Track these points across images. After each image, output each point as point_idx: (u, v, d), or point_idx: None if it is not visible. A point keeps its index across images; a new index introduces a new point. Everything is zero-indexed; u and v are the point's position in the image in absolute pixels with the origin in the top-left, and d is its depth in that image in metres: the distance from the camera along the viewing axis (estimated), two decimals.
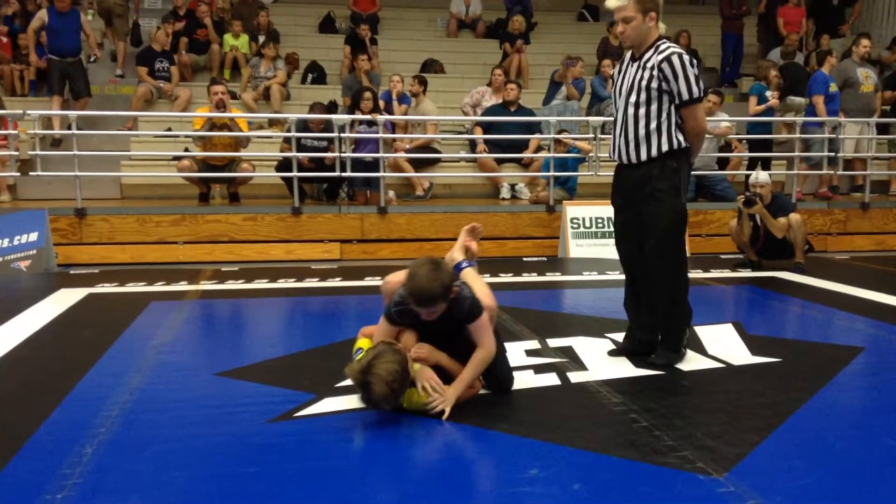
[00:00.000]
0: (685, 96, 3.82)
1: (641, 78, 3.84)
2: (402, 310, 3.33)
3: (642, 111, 3.87)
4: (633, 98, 3.88)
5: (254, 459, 2.81)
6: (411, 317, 3.33)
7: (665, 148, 3.86)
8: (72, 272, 7.27)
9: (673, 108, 3.86)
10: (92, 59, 11.15)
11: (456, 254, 3.80)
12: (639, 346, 4.17)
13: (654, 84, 3.82)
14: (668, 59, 3.78)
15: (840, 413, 3.41)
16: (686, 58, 3.82)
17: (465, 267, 3.65)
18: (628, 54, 4.00)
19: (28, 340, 4.62)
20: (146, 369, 3.98)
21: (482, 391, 3.54)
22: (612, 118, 10.40)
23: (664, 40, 3.90)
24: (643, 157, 3.89)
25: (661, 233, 3.92)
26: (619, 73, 4.03)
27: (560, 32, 14.39)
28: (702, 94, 3.86)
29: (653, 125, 3.86)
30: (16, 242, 7.30)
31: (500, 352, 3.56)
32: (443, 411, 3.18)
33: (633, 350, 4.18)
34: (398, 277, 3.45)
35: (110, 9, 11.79)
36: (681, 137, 3.89)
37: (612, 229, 8.37)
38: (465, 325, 3.32)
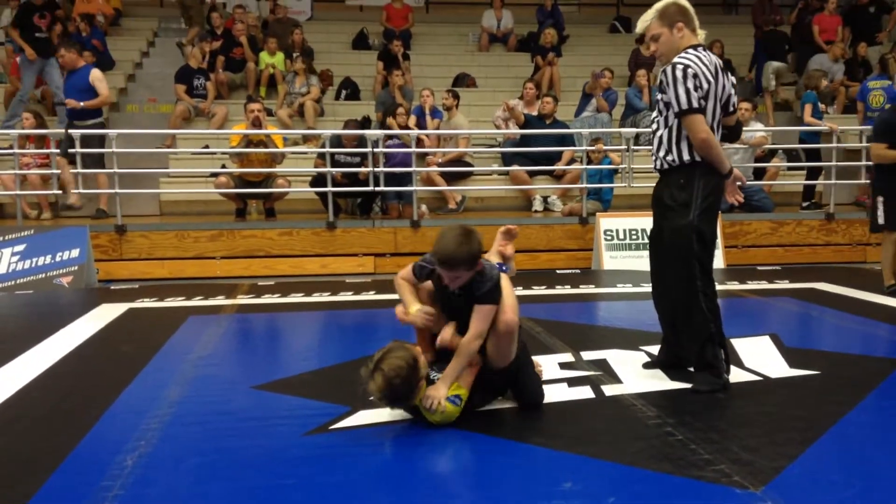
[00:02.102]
0: (683, 105, 3.71)
1: (657, 87, 3.91)
2: (427, 269, 3.39)
3: (657, 121, 3.91)
4: (654, 107, 3.96)
5: (291, 472, 2.85)
6: (436, 279, 3.38)
7: (672, 160, 3.82)
8: (112, 288, 7.40)
9: (676, 120, 3.78)
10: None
11: (492, 258, 3.79)
12: (674, 357, 4.14)
13: (658, 95, 3.85)
14: (671, 66, 3.74)
15: (879, 426, 3.35)
16: (688, 69, 3.69)
17: (502, 272, 3.60)
18: None
19: (70, 355, 4.72)
20: (185, 383, 4.05)
21: (508, 404, 3.55)
22: (646, 129, 10.40)
23: (690, 49, 3.79)
24: (657, 166, 3.92)
25: (667, 248, 3.89)
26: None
27: (592, 45, 14.38)
28: (697, 105, 3.69)
29: (663, 136, 3.84)
30: (58, 259, 7.47)
31: (527, 366, 3.56)
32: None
33: (669, 362, 4.15)
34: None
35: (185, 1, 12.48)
36: (685, 151, 3.78)
37: (646, 241, 8.38)
38: (475, 304, 3.31)
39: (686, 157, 3.79)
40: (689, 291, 3.83)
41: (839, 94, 12.08)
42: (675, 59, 3.75)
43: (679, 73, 3.70)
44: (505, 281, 3.52)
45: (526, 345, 3.64)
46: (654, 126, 3.93)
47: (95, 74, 8.98)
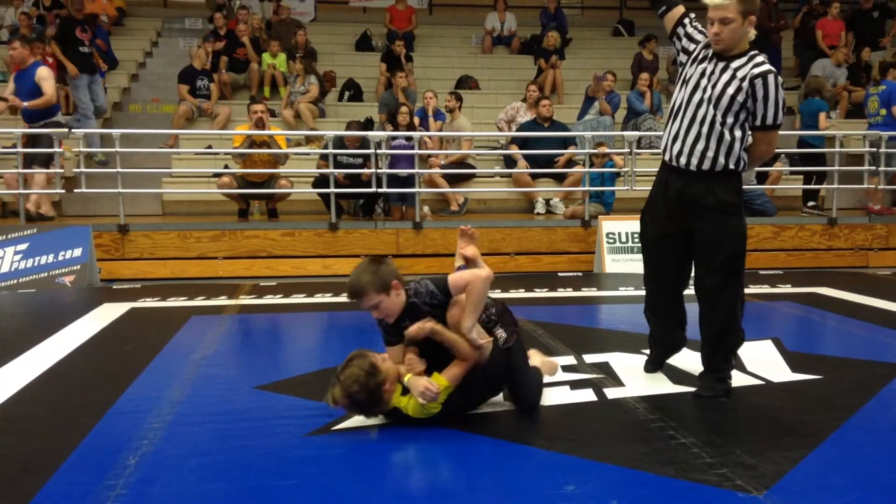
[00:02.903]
0: (769, 121, 3.56)
1: (728, 85, 3.52)
2: (383, 326, 3.40)
3: (720, 119, 3.55)
4: (716, 102, 3.55)
5: (293, 472, 2.85)
6: (384, 328, 3.38)
7: (731, 165, 3.60)
8: (114, 287, 7.41)
9: (747, 126, 3.60)
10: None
11: (456, 261, 3.75)
12: (663, 358, 4.21)
13: (741, 97, 3.51)
14: (763, 76, 3.49)
15: (882, 431, 3.35)
16: (780, 80, 3.56)
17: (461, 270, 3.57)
18: (708, 48, 3.63)
19: (72, 354, 4.72)
20: (187, 383, 4.05)
21: (508, 406, 3.54)
22: (648, 133, 10.36)
23: (757, 51, 3.61)
24: (706, 166, 3.60)
25: (727, 255, 3.67)
26: (694, 62, 3.65)
27: (595, 48, 14.39)
28: (780, 121, 3.60)
29: (727, 138, 3.56)
30: (60, 258, 7.47)
31: (522, 367, 3.53)
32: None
33: (660, 363, 4.20)
34: None
35: None
36: (742, 157, 3.62)
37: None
38: (447, 304, 3.29)
39: (734, 164, 3.61)
40: (737, 297, 3.74)
41: (842, 98, 12.09)
42: (767, 67, 3.52)
43: (779, 86, 3.53)
44: (467, 270, 3.48)
45: (522, 345, 3.62)
46: (715, 124, 3.55)
47: (41, 73, 8.55)
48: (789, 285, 7.33)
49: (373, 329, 5.58)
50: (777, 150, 9.80)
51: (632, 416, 3.49)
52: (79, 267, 7.46)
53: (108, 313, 5.99)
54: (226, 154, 9.68)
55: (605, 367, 4.27)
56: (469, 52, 14.19)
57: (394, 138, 8.97)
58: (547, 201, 9.79)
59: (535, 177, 9.78)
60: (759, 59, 3.56)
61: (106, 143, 9.77)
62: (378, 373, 3.15)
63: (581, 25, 14.92)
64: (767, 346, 4.80)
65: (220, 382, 4.08)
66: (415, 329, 3.21)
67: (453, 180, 9.62)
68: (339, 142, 8.78)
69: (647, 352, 4.48)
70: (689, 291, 3.94)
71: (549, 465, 2.92)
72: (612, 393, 3.81)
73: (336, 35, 14.21)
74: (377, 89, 12.13)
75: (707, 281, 3.72)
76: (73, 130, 8.36)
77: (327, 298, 6.69)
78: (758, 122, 3.58)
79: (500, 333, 3.46)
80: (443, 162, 9.70)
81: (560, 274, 8.24)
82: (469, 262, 3.70)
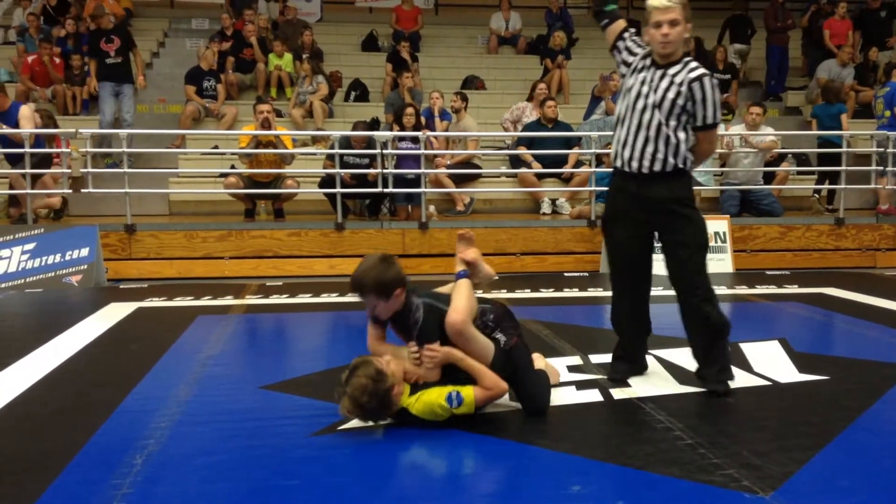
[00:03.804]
0: (709, 120, 3.75)
1: (668, 90, 3.69)
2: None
3: (665, 122, 3.71)
4: (660, 107, 3.70)
5: (298, 472, 2.85)
6: (372, 315, 3.41)
7: (679, 164, 3.75)
8: (121, 287, 7.43)
9: (688, 127, 3.76)
10: None
11: (456, 265, 3.67)
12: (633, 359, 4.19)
13: (681, 101, 3.68)
14: (700, 80, 3.68)
15: (889, 432, 3.34)
16: (714, 81, 3.75)
17: (461, 278, 3.52)
18: (648, 60, 3.79)
19: (79, 354, 4.73)
20: (193, 382, 4.05)
21: (514, 405, 3.53)
22: None
23: (688, 55, 3.82)
24: (657, 167, 3.73)
25: (694, 247, 3.78)
26: (634, 72, 3.81)
27: (601, 47, 14.20)
28: (719, 120, 3.82)
29: (673, 140, 3.71)
30: (67, 258, 7.49)
31: (526, 369, 3.50)
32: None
33: (634, 365, 4.16)
34: None
35: None
36: (688, 157, 3.78)
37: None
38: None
39: (682, 163, 3.76)
40: (710, 286, 3.83)
41: (849, 98, 12.05)
42: (702, 71, 3.71)
43: (714, 87, 3.73)
44: (464, 284, 3.45)
45: (526, 347, 3.60)
46: (660, 126, 3.71)
47: (23, 112, 8.48)
48: (796, 286, 7.31)
49: None
50: (783, 150, 9.84)
51: (638, 416, 3.48)
52: (86, 266, 7.48)
53: (114, 313, 6.00)
54: (232, 154, 9.70)
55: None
56: (475, 53, 14.19)
57: (400, 139, 8.98)
58: (553, 201, 9.78)
59: (540, 177, 9.77)
60: (693, 64, 3.75)
61: (113, 143, 9.78)
62: (385, 378, 3.12)
63: (587, 25, 14.86)
64: (774, 346, 4.78)
65: (225, 382, 4.09)
66: (436, 359, 3.24)
67: (459, 180, 9.62)
68: (346, 142, 8.78)
69: (654, 352, 4.47)
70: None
71: (555, 465, 2.91)
72: (618, 393, 3.80)
73: (342, 35, 14.23)
74: (383, 89, 12.14)
75: (682, 273, 3.82)
76: (79, 131, 8.38)
77: (333, 298, 6.70)
78: (699, 123, 3.76)
79: (500, 337, 3.45)
80: (449, 162, 9.70)
81: (566, 274, 8.23)
82: (470, 266, 3.62)
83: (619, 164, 3.85)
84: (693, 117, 3.74)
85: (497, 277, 3.84)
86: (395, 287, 3.26)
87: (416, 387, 3.25)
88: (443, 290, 3.66)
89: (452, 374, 3.28)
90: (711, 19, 14.90)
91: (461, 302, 3.34)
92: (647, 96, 3.73)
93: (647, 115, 3.73)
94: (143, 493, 2.67)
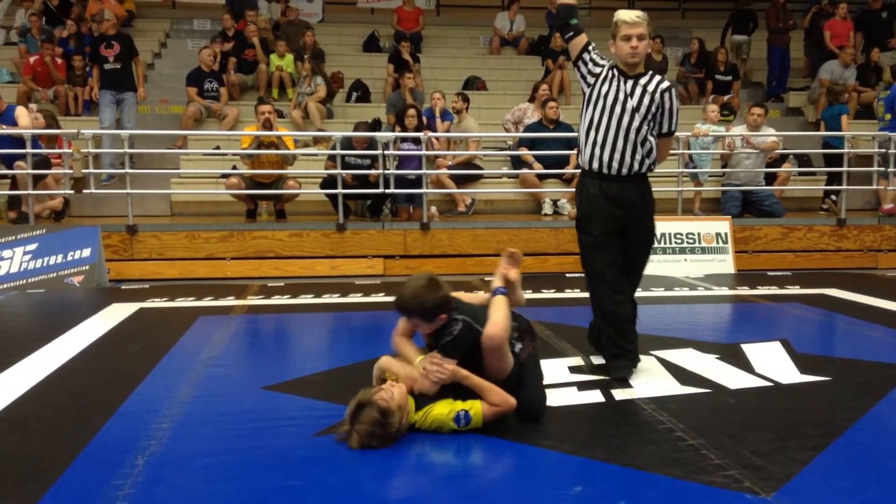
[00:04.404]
0: (673, 128, 4.14)
1: (643, 97, 4.00)
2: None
3: (643, 128, 4.02)
4: (638, 114, 4.00)
5: (300, 472, 2.85)
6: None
7: (649, 166, 4.11)
8: (123, 287, 7.43)
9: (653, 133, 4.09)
10: None
11: (496, 280, 3.71)
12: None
13: (654, 108, 4.01)
14: (669, 90, 4.05)
15: (890, 433, 3.34)
16: (676, 92, 4.17)
17: (500, 294, 3.56)
18: (615, 71, 4.08)
19: (81, 354, 4.74)
20: (195, 383, 4.06)
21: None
22: None
23: (651, 70, 4.16)
24: (636, 169, 4.05)
25: (645, 244, 4.23)
26: (605, 81, 4.07)
27: (603, 48, 14.23)
28: (676, 128, 4.20)
29: (648, 144, 4.05)
30: (69, 258, 7.50)
31: (529, 374, 3.49)
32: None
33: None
34: None
35: None
36: (652, 161, 4.13)
37: (655, 245, 8.33)
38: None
39: (651, 165, 4.12)
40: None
41: (851, 99, 12.05)
42: (668, 83, 4.08)
43: (676, 97, 4.13)
44: (502, 301, 3.48)
45: (535, 358, 3.60)
46: (640, 131, 4.02)
47: (19, 112, 8.54)
48: (798, 286, 7.30)
49: (379, 330, 5.60)
50: (784, 151, 9.84)
51: (639, 417, 3.48)
52: (87, 267, 7.49)
53: (116, 313, 6.00)
54: (234, 155, 9.70)
55: None
56: (476, 53, 14.19)
57: (402, 140, 8.98)
58: (554, 202, 9.78)
59: (542, 178, 9.77)
60: (658, 76, 4.09)
61: (115, 144, 9.78)
62: (390, 416, 3.08)
63: (589, 26, 14.75)
64: (776, 347, 4.78)
65: (227, 383, 4.09)
66: (443, 379, 3.24)
67: (461, 181, 9.63)
68: (347, 143, 8.79)
69: (656, 353, 4.48)
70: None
71: (557, 465, 2.92)
72: (619, 394, 3.80)
73: (344, 36, 14.23)
74: (385, 90, 12.14)
75: (636, 268, 4.26)
76: (81, 131, 8.38)
77: (335, 299, 6.70)
78: (663, 130, 4.11)
79: (517, 348, 3.47)
80: (450, 163, 9.71)
81: (567, 275, 8.22)
82: (509, 285, 3.66)
83: (596, 166, 4.10)
84: (659, 125, 4.07)
85: (526, 304, 3.88)
86: (441, 312, 3.29)
87: (421, 401, 3.23)
88: (471, 299, 3.67)
89: (456, 387, 3.28)
90: (712, 20, 14.94)
91: (502, 318, 3.37)
92: (624, 102, 4.01)
93: (626, 120, 4.00)
94: (145, 494, 2.67)
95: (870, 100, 11.74)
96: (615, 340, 4.13)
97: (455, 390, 3.27)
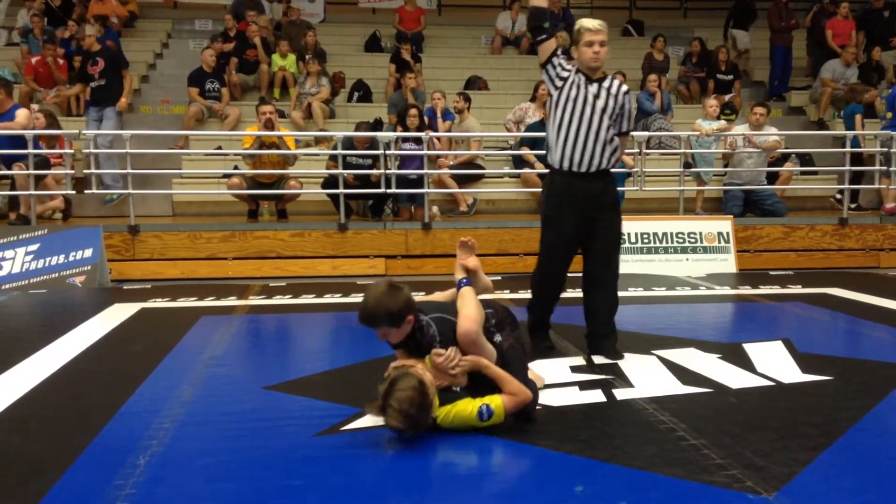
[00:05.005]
0: (630, 128, 4.53)
1: (608, 99, 4.31)
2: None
3: (609, 128, 4.34)
4: (606, 114, 4.31)
5: (301, 472, 2.85)
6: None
7: (616, 164, 4.49)
8: (125, 287, 7.44)
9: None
10: None
11: (457, 273, 3.68)
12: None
13: (618, 110, 4.35)
14: (628, 93, 4.42)
15: (892, 432, 3.33)
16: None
17: (465, 285, 3.54)
18: (580, 75, 4.35)
19: (83, 354, 4.74)
20: (196, 383, 4.06)
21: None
22: (658, 133, 10.37)
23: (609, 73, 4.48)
24: (603, 166, 4.37)
25: (615, 237, 4.50)
26: (572, 86, 4.35)
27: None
28: (632, 128, 4.65)
29: (614, 142, 4.38)
30: (71, 258, 7.51)
31: (517, 372, 3.43)
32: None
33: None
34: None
35: None
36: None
37: (658, 244, 8.36)
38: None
39: (615, 163, 4.48)
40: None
41: (873, 98, 12.01)
42: (626, 87, 4.42)
43: (633, 99, 4.52)
44: (469, 293, 3.47)
45: (520, 348, 3.58)
46: (608, 130, 4.34)
47: (21, 113, 8.51)
48: (800, 286, 7.30)
49: None
50: (786, 150, 9.83)
51: (641, 416, 3.48)
52: (89, 267, 7.50)
53: (118, 314, 6.01)
54: (235, 155, 9.70)
55: (614, 368, 4.26)
56: (478, 53, 14.18)
57: (403, 139, 8.98)
58: None
59: (543, 177, 9.75)
60: (617, 80, 4.42)
61: (116, 145, 9.79)
62: (428, 389, 3.09)
63: None
64: (778, 346, 4.78)
65: (229, 383, 4.09)
66: (465, 367, 3.25)
67: (462, 181, 9.63)
68: (349, 143, 8.79)
69: (657, 352, 4.48)
70: None
71: (558, 465, 2.91)
72: (621, 394, 3.80)
73: (345, 36, 14.22)
74: (386, 90, 12.14)
75: (608, 260, 4.51)
76: (83, 132, 8.39)
77: (336, 299, 6.71)
78: (623, 129, 4.45)
79: (498, 338, 3.46)
80: (452, 163, 9.70)
81: (569, 274, 8.20)
82: (471, 274, 3.64)
83: (567, 164, 4.38)
84: (619, 125, 4.40)
85: (493, 290, 3.84)
86: (407, 314, 3.24)
87: (443, 397, 3.22)
88: (439, 296, 3.67)
89: (471, 386, 3.28)
90: (714, 19, 14.93)
91: (472, 310, 3.35)
92: (593, 104, 4.31)
93: (595, 120, 4.31)
94: (147, 494, 2.67)
95: (871, 99, 11.72)
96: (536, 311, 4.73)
97: (471, 390, 3.27)
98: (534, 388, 3.46)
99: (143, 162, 9.85)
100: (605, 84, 4.34)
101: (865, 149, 9.90)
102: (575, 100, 4.33)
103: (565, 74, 4.39)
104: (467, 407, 3.20)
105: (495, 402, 3.20)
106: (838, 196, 10.04)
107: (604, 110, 4.30)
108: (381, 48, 13.69)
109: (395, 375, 3.12)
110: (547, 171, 9.37)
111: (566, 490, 2.68)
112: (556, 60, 4.43)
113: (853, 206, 9.92)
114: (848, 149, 9.29)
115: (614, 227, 4.49)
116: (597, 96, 4.30)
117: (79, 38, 10.35)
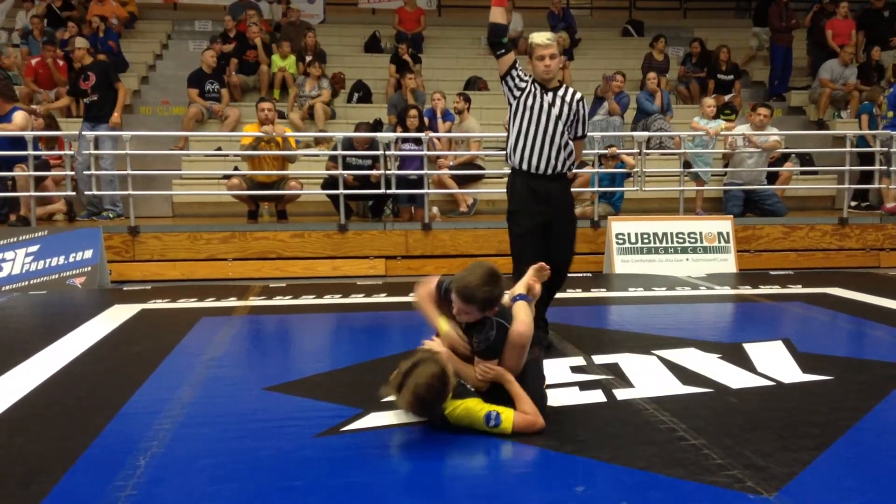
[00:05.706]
0: (586, 132, 4.84)
1: (563, 107, 4.62)
2: (448, 291, 3.42)
3: (564, 133, 4.65)
4: (561, 121, 4.62)
5: (301, 473, 2.85)
6: (447, 305, 3.41)
7: (572, 167, 4.81)
8: (125, 289, 7.44)
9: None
10: None
11: (518, 288, 3.75)
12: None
13: (572, 116, 4.67)
14: (582, 100, 4.72)
15: (892, 432, 3.33)
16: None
17: (521, 300, 3.58)
18: (536, 86, 4.63)
19: (83, 355, 4.74)
20: (197, 384, 4.06)
21: None
22: (658, 133, 10.36)
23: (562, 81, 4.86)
24: (559, 169, 4.68)
25: (570, 233, 4.84)
26: (530, 95, 4.63)
27: (604, 48, 14.36)
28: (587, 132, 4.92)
29: (570, 147, 4.69)
30: (71, 259, 7.51)
31: (529, 375, 3.48)
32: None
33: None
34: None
35: None
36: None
37: (658, 244, 8.36)
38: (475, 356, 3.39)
39: (571, 165, 4.78)
40: None
41: (852, 98, 12.04)
42: (580, 94, 4.73)
43: (586, 105, 4.83)
44: (525, 305, 3.52)
45: (540, 363, 3.60)
46: (563, 136, 4.64)
47: (18, 115, 8.43)
48: (800, 286, 7.30)
49: (380, 331, 5.61)
50: (786, 150, 9.83)
51: (641, 417, 3.48)
52: (89, 269, 7.49)
53: (118, 315, 6.01)
54: (235, 156, 9.70)
55: (614, 368, 4.26)
56: (478, 53, 14.17)
57: (403, 140, 8.98)
58: None
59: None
60: (571, 88, 4.74)
61: (117, 146, 9.78)
62: (448, 381, 3.10)
63: (590, 26, 14.89)
64: (778, 346, 4.78)
65: (229, 384, 4.09)
66: (489, 376, 3.33)
67: (462, 181, 9.62)
68: (348, 143, 8.79)
69: (658, 353, 4.48)
70: None
71: (559, 466, 2.92)
72: (621, 394, 3.80)
73: (345, 37, 14.23)
74: (386, 91, 12.14)
75: (566, 254, 4.82)
76: (83, 134, 8.39)
77: (337, 299, 6.70)
78: (578, 134, 4.78)
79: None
80: (451, 163, 9.70)
81: (569, 274, 8.20)
82: (529, 293, 3.74)
83: (525, 167, 4.69)
84: (574, 130, 4.72)
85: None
86: (496, 306, 3.33)
87: (456, 391, 3.22)
88: None
89: (491, 394, 3.32)
90: (714, 19, 14.94)
91: (530, 318, 3.44)
92: (549, 112, 4.62)
93: (551, 127, 4.61)
94: (147, 495, 2.67)
95: (872, 99, 11.72)
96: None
97: (485, 395, 3.30)
98: (542, 397, 3.49)
99: (143, 163, 9.85)
100: (560, 93, 4.65)
101: (865, 149, 9.90)
102: (531, 108, 4.64)
103: (522, 85, 4.68)
104: (476, 406, 3.20)
105: (506, 413, 3.20)
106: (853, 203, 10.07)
107: (558, 118, 4.61)
108: (381, 49, 13.69)
109: (420, 357, 3.16)
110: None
111: (566, 490, 2.68)
112: (514, 72, 4.69)
113: (864, 204, 9.94)
114: (848, 149, 9.29)
115: (569, 236, 4.84)
116: (552, 105, 4.61)
117: (69, 49, 10.16)
